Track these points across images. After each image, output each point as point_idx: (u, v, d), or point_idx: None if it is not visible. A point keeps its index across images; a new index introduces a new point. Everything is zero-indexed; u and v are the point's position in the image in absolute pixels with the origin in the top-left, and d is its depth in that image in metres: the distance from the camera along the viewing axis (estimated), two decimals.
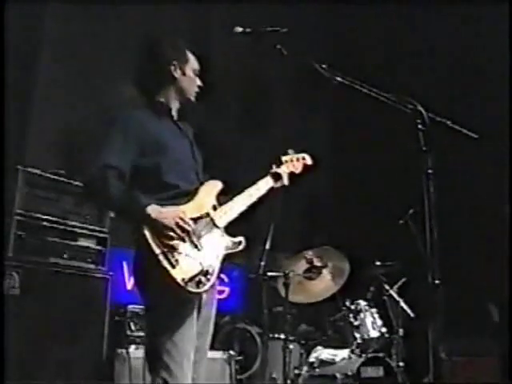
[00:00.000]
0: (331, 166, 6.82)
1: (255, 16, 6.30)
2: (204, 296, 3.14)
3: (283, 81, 7.01)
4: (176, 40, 3.50)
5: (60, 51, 5.60)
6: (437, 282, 2.66)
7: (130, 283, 5.27)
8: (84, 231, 4.72)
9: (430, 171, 2.61)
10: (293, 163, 3.71)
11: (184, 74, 3.34)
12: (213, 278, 3.07)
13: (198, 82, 3.41)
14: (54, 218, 4.56)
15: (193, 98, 3.40)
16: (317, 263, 5.43)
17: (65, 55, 5.61)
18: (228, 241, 3.23)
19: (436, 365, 2.94)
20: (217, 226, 3.21)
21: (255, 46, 3.38)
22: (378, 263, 5.57)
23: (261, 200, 3.47)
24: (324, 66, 3.02)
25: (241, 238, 3.27)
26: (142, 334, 4.66)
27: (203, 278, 3.00)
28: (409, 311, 5.35)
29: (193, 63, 3.40)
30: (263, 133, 6.58)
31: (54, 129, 5.46)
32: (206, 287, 3.01)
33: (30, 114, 5.35)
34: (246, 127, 6.67)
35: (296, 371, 5.14)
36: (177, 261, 2.95)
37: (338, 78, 2.91)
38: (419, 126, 2.63)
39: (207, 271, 3.03)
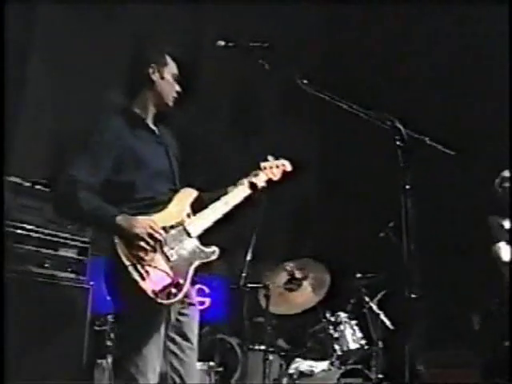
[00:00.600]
0: (314, 177, 6.86)
1: (249, 20, 6.32)
2: (178, 306, 3.14)
3: (272, 87, 7.02)
4: (156, 43, 3.51)
5: (50, 54, 5.59)
6: (413, 295, 2.69)
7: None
8: (65, 241, 4.70)
9: (407, 187, 2.65)
10: (272, 170, 3.66)
11: (162, 77, 3.33)
12: (184, 289, 3.05)
13: (177, 88, 3.40)
14: (34, 227, 4.54)
15: (170, 103, 3.39)
16: (297, 275, 5.46)
17: (55, 58, 5.59)
18: (201, 250, 3.21)
19: (412, 377, 2.97)
20: (190, 235, 3.20)
21: (239, 60, 3.40)
22: (358, 275, 5.61)
23: (240, 208, 3.46)
24: (305, 81, 3.05)
25: (214, 248, 3.25)
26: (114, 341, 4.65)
27: (174, 290, 2.99)
28: (388, 324, 5.38)
29: (172, 68, 3.39)
30: (247, 140, 6.59)
31: (42, 134, 5.44)
32: (176, 298, 3.01)
33: (18, 118, 5.33)
34: (228, 133, 6.68)
35: (276, 383, 5.15)
36: (147, 272, 2.94)
37: (318, 94, 2.94)
38: (397, 143, 2.67)
39: (178, 282, 3.02)
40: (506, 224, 5.04)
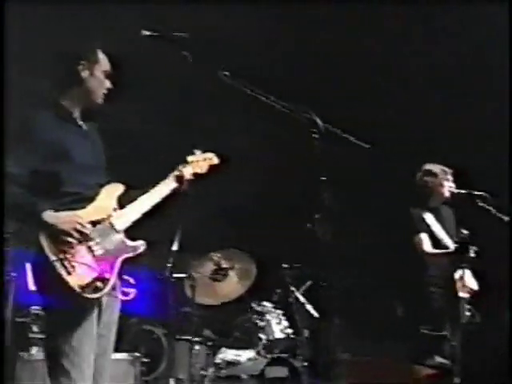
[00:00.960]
0: (242, 170, 6.84)
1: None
2: (105, 299, 3.15)
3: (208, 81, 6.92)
4: (88, 39, 3.47)
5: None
6: (322, 283, 2.75)
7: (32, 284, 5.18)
8: None
9: (323, 178, 2.70)
10: (198, 163, 3.66)
11: (92, 74, 3.30)
12: (110, 283, 3.08)
13: (108, 85, 3.36)
14: None
15: (99, 101, 3.35)
16: (224, 265, 5.51)
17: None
18: (127, 244, 3.23)
19: (334, 365, 3.04)
20: (116, 230, 3.21)
21: (163, 50, 3.39)
22: (284, 266, 5.67)
23: (168, 201, 3.47)
24: (226, 73, 3.07)
25: (141, 242, 3.28)
26: (44, 335, 4.59)
27: (100, 284, 3.02)
28: (314, 313, 5.46)
29: (103, 64, 3.35)
30: (177, 135, 6.53)
31: None
32: (103, 292, 3.04)
33: None
34: (158, 128, 6.62)
35: (202, 372, 5.17)
36: (73, 267, 2.95)
37: (239, 86, 2.96)
38: (313, 135, 2.71)
39: (104, 277, 3.05)
40: (427, 216, 5.18)
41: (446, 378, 4.74)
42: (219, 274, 5.50)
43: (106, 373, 3.22)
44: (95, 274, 3.01)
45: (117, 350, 4.71)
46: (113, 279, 3.10)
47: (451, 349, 4.81)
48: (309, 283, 5.66)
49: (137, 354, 4.88)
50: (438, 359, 4.88)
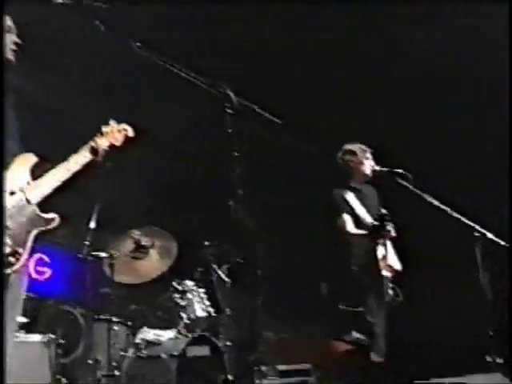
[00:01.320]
0: (162, 146, 6.74)
1: None
2: (12, 276, 3.03)
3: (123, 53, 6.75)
4: None
5: None
6: (240, 260, 2.72)
7: None
8: None
9: (236, 154, 2.65)
10: (113, 134, 3.55)
11: None
12: (23, 257, 3.00)
13: (14, 38, 3.23)
14: None
15: (10, 56, 3.22)
16: (144, 243, 5.41)
17: None
18: (40, 217, 3.14)
19: (257, 343, 3.01)
20: (29, 202, 3.12)
21: (73, 18, 3.28)
22: (206, 243, 5.62)
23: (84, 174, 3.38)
24: (139, 44, 2.98)
25: (54, 215, 3.19)
26: None
27: (12, 259, 2.94)
28: (236, 291, 5.44)
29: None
30: (94, 105, 6.35)
31: None
32: (15, 267, 2.95)
33: None
34: (75, 98, 6.43)
35: (122, 353, 5.06)
36: None
37: (151, 57, 2.88)
38: (227, 110, 2.66)
39: (16, 251, 2.96)
40: (348, 196, 5.17)
41: (363, 353, 4.80)
42: (139, 252, 5.40)
43: (6, 353, 3.05)
44: (7, 249, 2.93)
45: (32, 331, 4.63)
46: (25, 254, 3.01)
47: (368, 325, 4.87)
48: (231, 261, 5.62)
49: (52, 336, 4.72)
50: (355, 335, 4.93)
